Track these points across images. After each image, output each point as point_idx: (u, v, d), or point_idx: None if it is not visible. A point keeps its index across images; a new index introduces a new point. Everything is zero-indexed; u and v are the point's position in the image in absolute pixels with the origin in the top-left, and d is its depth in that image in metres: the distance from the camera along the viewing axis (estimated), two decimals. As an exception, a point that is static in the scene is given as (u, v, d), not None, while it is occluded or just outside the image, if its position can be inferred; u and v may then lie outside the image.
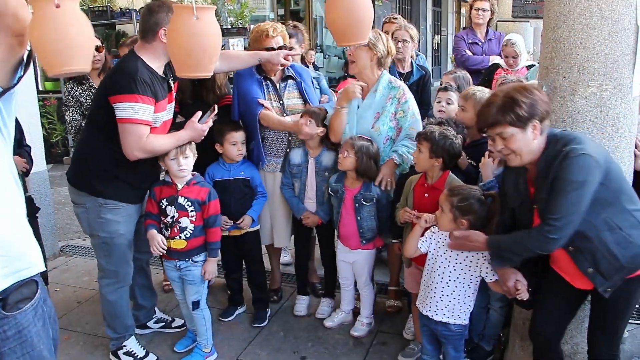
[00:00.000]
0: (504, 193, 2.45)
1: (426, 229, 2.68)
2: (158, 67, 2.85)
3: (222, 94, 3.61)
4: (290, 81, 3.57)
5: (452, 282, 2.53)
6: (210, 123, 2.99)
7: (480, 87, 3.24)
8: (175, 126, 3.47)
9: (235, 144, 3.32)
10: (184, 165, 2.91)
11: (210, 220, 3.02)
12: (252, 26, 7.59)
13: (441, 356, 2.73)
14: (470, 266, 2.51)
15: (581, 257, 2.18)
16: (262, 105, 3.40)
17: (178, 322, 3.51)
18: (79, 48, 1.49)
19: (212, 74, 2.03)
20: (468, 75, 3.78)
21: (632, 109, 2.47)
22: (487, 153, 2.78)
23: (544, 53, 2.56)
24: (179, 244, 2.99)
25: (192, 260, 3.03)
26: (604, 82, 2.39)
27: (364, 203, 3.19)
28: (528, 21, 6.69)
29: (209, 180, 3.36)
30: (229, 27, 7.32)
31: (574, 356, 2.61)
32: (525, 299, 2.31)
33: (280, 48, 3.37)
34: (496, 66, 4.82)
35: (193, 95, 3.56)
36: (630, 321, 3.25)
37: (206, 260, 3.06)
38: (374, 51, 3.22)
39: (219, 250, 3.52)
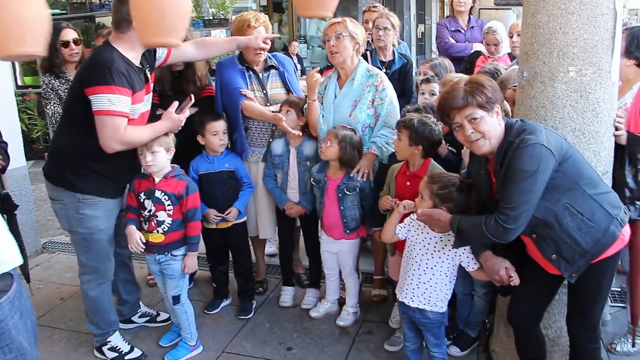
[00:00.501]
0: (470, 188, 2.45)
1: (406, 215, 2.68)
2: (134, 57, 2.79)
3: (202, 85, 3.57)
4: (273, 71, 3.54)
5: (429, 269, 2.53)
6: (187, 113, 2.94)
7: (459, 74, 3.24)
8: (155, 119, 3.44)
9: (216, 134, 3.29)
10: (151, 162, 2.85)
11: (189, 214, 2.98)
12: (234, 17, 7.56)
13: (424, 343, 2.74)
14: (448, 255, 2.52)
15: (544, 244, 2.20)
16: (245, 95, 3.37)
17: (163, 316, 3.49)
18: (32, 29, 1.42)
19: (180, 44, 1.96)
20: (447, 61, 3.76)
21: (611, 94, 2.47)
22: None
23: (524, 39, 2.55)
24: (157, 237, 2.96)
25: (172, 255, 3.00)
26: (584, 67, 2.38)
27: (347, 193, 3.18)
28: (510, 8, 6.69)
29: (193, 174, 3.33)
30: (211, 18, 7.23)
31: (557, 340, 2.63)
32: (518, 284, 2.32)
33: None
34: (478, 53, 4.81)
35: (173, 87, 3.51)
36: (612, 304, 3.30)
37: (186, 254, 3.03)
38: (356, 40, 3.22)
39: (205, 243, 3.55)
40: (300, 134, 3.34)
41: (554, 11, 2.37)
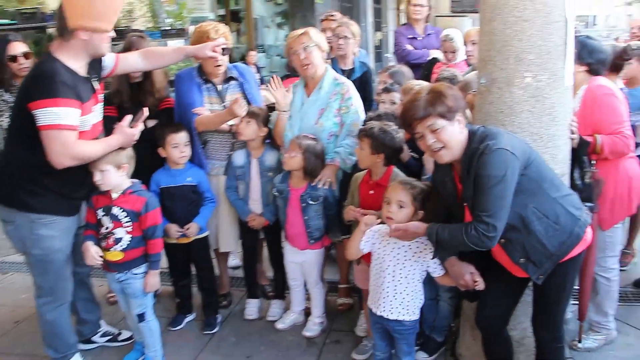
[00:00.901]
0: (438, 193, 2.47)
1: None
2: (79, 67, 2.67)
3: (161, 96, 3.50)
4: (232, 82, 3.49)
5: (402, 279, 2.52)
6: (141, 126, 2.83)
7: (420, 82, 3.27)
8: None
9: (177, 146, 3.22)
10: (100, 180, 2.75)
11: (149, 232, 2.88)
12: (192, 27, 7.46)
13: (393, 351, 2.73)
14: (418, 261, 2.52)
15: (512, 248, 2.23)
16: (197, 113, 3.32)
17: (125, 334, 3.37)
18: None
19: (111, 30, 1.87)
20: (405, 69, 3.80)
21: (566, 98, 2.54)
22: None
23: (481, 46, 2.61)
24: (115, 255, 2.86)
25: (132, 273, 2.90)
26: (539, 73, 2.44)
27: (311, 202, 3.16)
28: (466, 16, 6.82)
29: (155, 187, 3.25)
30: (168, 28, 7.12)
31: (522, 341, 2.67)
32: (483, 289, 2.34)
33: (226, 49, 3.29)
34: (435, 60, 4.89)
35: (131, 99, 3.43)
36: (573, 302, 3.37)
37: (147, 272, 2.93)
38: (322, 48, 3.24)
39: (167, 257, 3.48)
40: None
41: (509, 19, 2.42)
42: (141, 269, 2.92)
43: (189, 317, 3.59)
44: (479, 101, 2.64)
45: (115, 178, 2.80)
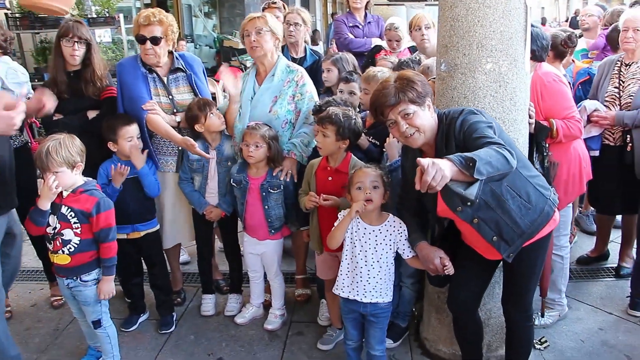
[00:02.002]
0: (407, 178, 2.47)
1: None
2: None
3: (103, 85, 3.31)
4: (179, 74, 3.34)
5: (376, 263, 2.52)
6: (22, 109, 2.31)
7: (379, 68, 3.28)
8: (53, 124, 3.13)
9: (131, 140, 3.06)
10: (54, 183, 2.53)
11: (102, 235, 2.68)
12: (121, 15, 7.14)
13: (364, 340, 2.73)
14: (390, 244, 2.53)
15: (485, 227, 2.25)
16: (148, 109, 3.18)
17: None
18: None
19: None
20: (349, 56, 3.79)
21: (525, 83, 2.61)
22: None
23: (442, 32, 2.62)
24: (62, 259, 2.66)
25: (81, 280, 2.70)
26: (501, 58, 2.49)
27: (271, 191, 3.09)
28: (403, 4, 6.92)
29: (104, 179, 3.09)
30: (95, 16, 6.76)
31: (487, 321, 2.73)
32: (452, 274, 2.37)
33: (153, 39, 3.15)
34: (379, 48, 4.92)
35: (70, 89, 3.23)
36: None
37: (100, 279, 2.74)
38: (276, 35, 3.17)
39: (119, 256, 3.29)
40: (213, 157, 3.22)
41: (472, 4, 2.45)
42: (91, 275, 2.72)
43: (143, 317, 3.42)
44: (440, 87, 2.66)
45: (71, 178, 2.62)
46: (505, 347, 2.59)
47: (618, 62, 3.49)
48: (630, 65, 3.43)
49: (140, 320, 3.40)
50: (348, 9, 5.66)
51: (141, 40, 3.17)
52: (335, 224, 2.59)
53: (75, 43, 3.17)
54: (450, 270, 2.38)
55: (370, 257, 2.52)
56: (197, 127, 3.17)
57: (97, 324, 2.79)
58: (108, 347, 2.86)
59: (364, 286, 2.55)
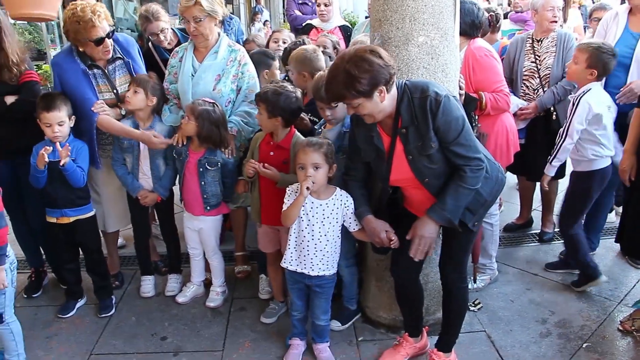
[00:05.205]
0: (356, 148, 2.50)
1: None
2: None
3: (21, 70, 3.10)
4: (118, 62, 3.23)
5: (323, 236, 2.56)
6: None
7: (312, 47, 3.29)
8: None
9: (50, 126, 2.92)
10: None
11: None
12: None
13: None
14: (336, 218, 2.58)
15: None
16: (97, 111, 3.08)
17: None
18: None
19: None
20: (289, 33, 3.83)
21: (455, 56, 2.72)
22: None
23: (375, 6, 2.67)
24: None
25: None
26: (432, 32, 2.57)
27: (209, 168, 3.08)
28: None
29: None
30: None
31: (425, 286, 2.84)
32: (398, 247, 2.45)
33: (108, 35, 3.05)
34: (310, 26, 4.96)
35: None
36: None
37: None
38: (215, 17, 3.11)
39: (46, 241, 3.29)
40: (173, 142, 3.12)
41: (404, -21, 2.51)
42: None
43: (80, 302, 3.33)
44: (375, 60, 2.72)
45: None
46: (442, 309, 2.71)
47: (529, 39, 3.72)
48: (541, 41, 3.66)
49: (77, 305, 3.30)
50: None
51: (99, 41, 3.02)
52: (286, 201, 2.60)
53: None
54: (395, 244, 2.46)
55: (317, 231, 2.56)
56: (123, 105, 3.10)
57: None
58: (12, 345, 2.67)
59: (311, 259, 2.59)
